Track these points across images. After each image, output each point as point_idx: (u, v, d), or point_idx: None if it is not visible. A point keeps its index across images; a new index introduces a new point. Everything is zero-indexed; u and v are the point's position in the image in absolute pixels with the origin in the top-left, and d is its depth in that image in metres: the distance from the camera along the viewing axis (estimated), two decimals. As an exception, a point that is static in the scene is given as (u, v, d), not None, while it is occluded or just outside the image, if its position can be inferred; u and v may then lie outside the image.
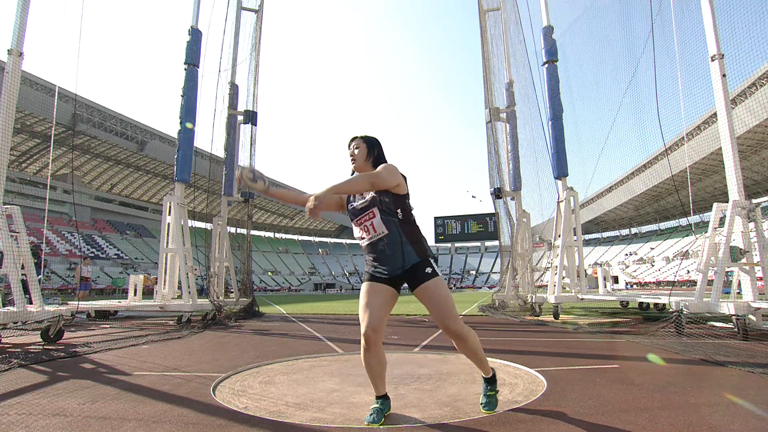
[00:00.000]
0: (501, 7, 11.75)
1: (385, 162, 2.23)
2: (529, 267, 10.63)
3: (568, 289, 8.86)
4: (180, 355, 4.18)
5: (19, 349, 4.51)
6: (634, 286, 40.66)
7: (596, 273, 12.46)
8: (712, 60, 5.90)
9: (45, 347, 4.68)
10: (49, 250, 38.22)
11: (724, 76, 5.83)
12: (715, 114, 6.11)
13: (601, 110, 11.25)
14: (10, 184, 34.31)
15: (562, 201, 8.90)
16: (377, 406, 2.08)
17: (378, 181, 2.04)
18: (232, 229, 11.51)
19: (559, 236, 8.77)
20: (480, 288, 57.46)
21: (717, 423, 1.95)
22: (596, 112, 11.49)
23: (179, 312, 7.65)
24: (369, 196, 2.14)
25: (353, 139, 2.25)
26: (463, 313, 9.37)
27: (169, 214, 8.47)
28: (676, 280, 37.77)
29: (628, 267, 52.57)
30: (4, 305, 5.87)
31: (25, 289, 5.48)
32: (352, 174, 2.22)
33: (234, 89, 10.94)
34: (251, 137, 11.01)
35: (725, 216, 5.67)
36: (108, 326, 7.30)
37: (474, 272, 73.59)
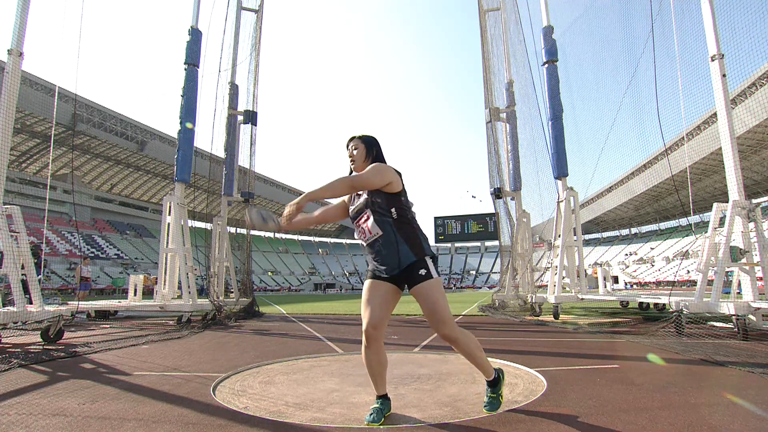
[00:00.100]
0: (501, 7, 11.75)
1: (384, 161, 2.23)
2: (529, 267, 10.63)
3: (568, 289, 8.86)
4: (180, 355, 4.18)
5: (19, 349, 4.51)
6: (634, 286, 40.66)
7: (596, 273, 12.45)
8: (712, 60, 5.90)
9: (45, 347, 4.68)
10: (49, 250, 38.22)
11: (724, 76, 5.83)
12: (715, 114, 6.11)
13: (601, 110, 11.25)
14: (10, 184, 34.31)
15: (562, 201, 8.90)
16: (377, 406, 2.08)
17: (359, 183, 2.02)
18: (232, 229, 11.51)
19: (559, 236, 8.77)
20: (480, 288, 57.45)
21: (717, 423, 1.95)
22: (596, 112, 11.49)
23: (179, 312, 7.65)
24: (363, 198, 2.14)
25: (351, 139, 2.25)
26: (463, 313, 9.37)
27: (169, 214, 8.47)
28: (676, 280, 37.78)
29: (628, 267, 52.56)
30: (4, 305, 5.87)
31: (25, 289, 5.48)
32: (350, 174, 2.23)
33: (234, 89, 10.94)
34: (251, 137, 11.02)
35: (725, 216, 5.67)
36: (108, 326, 7.30)
37: (474, 272, 73.59)
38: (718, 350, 3.89)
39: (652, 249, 56.08)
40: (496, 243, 31.25)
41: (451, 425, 2.00)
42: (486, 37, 11.64)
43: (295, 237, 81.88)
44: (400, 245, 2.08)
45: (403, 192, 2.16)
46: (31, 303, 5.49)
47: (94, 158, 46.95)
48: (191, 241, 8.80)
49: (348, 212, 2.26)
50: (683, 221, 51.66)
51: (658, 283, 43.97)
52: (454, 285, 65.77)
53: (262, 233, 74.41)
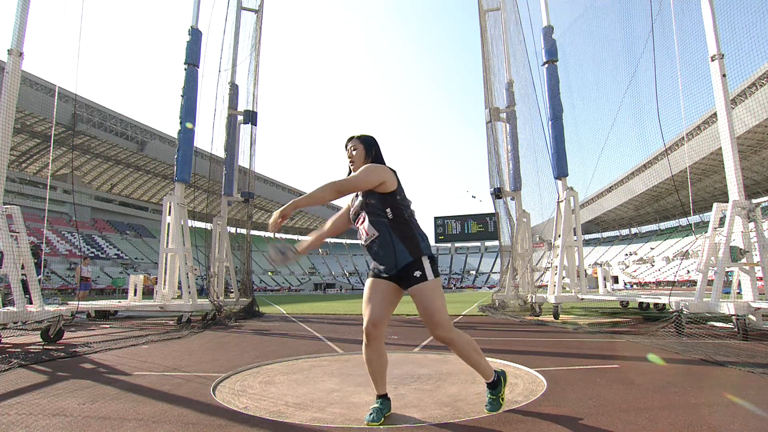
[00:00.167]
0: (501, 7, 11.75)
1: (382, 161, 2.23)
2: (529, 267, 10.63)
3: (568, 289, 8.86)
4: (180, 355, 4.18)
5: (19, 349, 4.51)
6: (634, 286, 40.66)
7: (596, 273, 12.45)
8: (712, 60, 5.90)
9: (45, 347, 4.68)
10: (49, 250, 38.21)
11: (724, 76, 5.83)
12: (715, 114, 6.11)
13: (601, 110, 11.26)
14: (10, 184, 34.32)
15: (562, 201, 8.90)
16: (377, 405, 2.08)
17: (346, 187, 2.01)
18: (232, 229, 11.52)
19: (559, 236, 8.77)
20: (480, 288, 57.44)
21: (717, 423, 1.95)
22: (596, 112, 11.50)
23: (179, 312, 7.65)
24: (359, 199, 2.15)
25: (350, 139, 2.24)
26: (463, 313, 9.37)
27: (169, 214, 8.47)
28: (676, 280, 37.77)
29: (628, 267, 52.55)
30: (4, 305, 5.87)
31: (25, 289, 5.48)
32: (348, 174, 2.23)
33: (234, 89, 10.94)
34: (251, 137, 11.02)
35: (725, 216, 5.67)
36: (108, 326, 7.30)
37: (474, 272, 73.59)
38: (718, 350, 3.89)
39: (652, 249, 56.07)
40: (496, 243, 31.27)
41: (451, 425, 2.00)
42: (486, 37, 11.64)
43: (295, 237, 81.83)
44: (396, 245, 2.07)
45: (398, 191, 2.13)
46: (31, 303, 5.49)
47: (94, 158, 46.96)
48: (191, 241, 8.80)
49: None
50: (683, 221, 51.68)
51: (658, 283, 43.96)
52: (454, 285, 65.77)
53: (262, 233, 74.40)
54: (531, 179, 10.59)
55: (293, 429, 1.99)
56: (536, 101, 10.08)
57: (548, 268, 9.52)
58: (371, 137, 2.26)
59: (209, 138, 10.07)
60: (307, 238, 2.31)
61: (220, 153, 10.66)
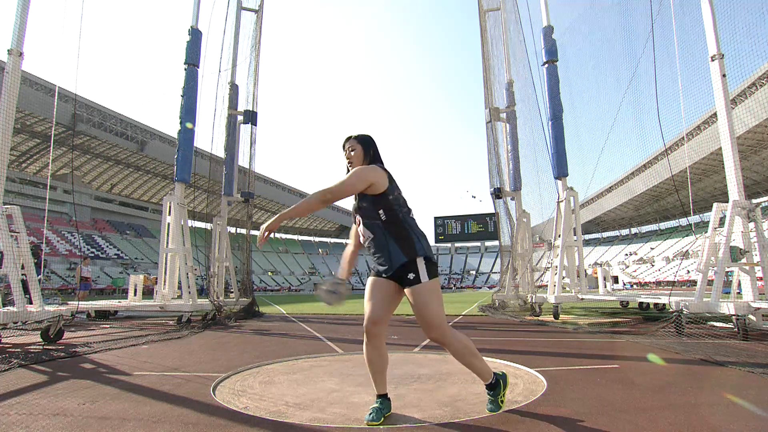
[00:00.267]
0: (501, 7, 11.75)
1: (380, 161, 2.23)
2: (529, 267, 10.63)
3: (568, 289, 8.86)
4: (180, 355, 4.19)
5: (19, 349, 4.51)
6: (634, 286, 40.66)
7: (596, 273, 12.46)
8: (712, 60, 5.90)
9: (45, 347, 4.68)
10: (49, 250, 38.22)
11: (724, 76, 5.83)
12: (715, 114, 6.11)
13: (601, 110, 11.27)
14: (10, 184, 34.30)
15: (562, 201, 8.90)
16: (377, 405, 2.08)
17: (330, 195, 2.00)
18: (232, 229, 11.52)
19: (559, 236, 8.77)
20: (480, 288, 57.43)
21: (717, 423, 1.95)
22: (596, 112, 11.52)
23: (179, 312, 7.65)
24: (353, 203, 2.17)
25: (347, 139, 2.24)
26: (462, 314, 9.37)
27: (169, 214, 8.47)
28: (676, 280, 37.77)
29: (628, 267, 52.56)
30: (4, 305, 5.87)
31: (25, 289, 5.48)
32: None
33: (234, 89, 10.95)
34: (251, 137, 11.02)
35: (725, 216, 5.67)
36: (108, 326, 7.30)
37: (474, 272, 73.58)
38: (718, 350, 3.89)
39: (652, 249, 56.07)
40: (496, 243, 31.25)
41: (451, 425, 2.00)
42: (486, 37, 11.64)
43: (295, 237, 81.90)
44: (390, 246, 2.07)
45: (390, 191, 2.10)
46: (31, 303, 5.49)
47: (94, 158, 46.96)
48: (191, 241, 8.80)
49: None
50: (683, 221, 51.66)
51: (658, 283, 43.97)
52: (454, 285, 65.75)
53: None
54: (531, 179, 10.61)
55: (293, 429, 1.99)
56: (536, 101, 10.09)
57: (548, 268, 9.53)
58: (369, 137, 2.26)
59: (209, 138, 10.09)
60: (341, 265, 2.31)
61: (220, 153, 10.66)
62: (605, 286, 10.03)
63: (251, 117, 10.89)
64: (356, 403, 2.39)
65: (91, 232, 49.44)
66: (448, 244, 75.65)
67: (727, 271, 5.65)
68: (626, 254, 59.27)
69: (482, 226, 52.40)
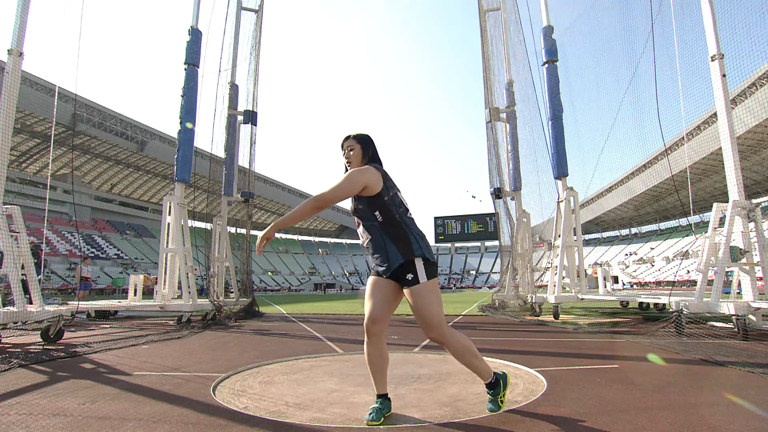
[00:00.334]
0: (501, 7, 11.75)
1: (379, 161, 2.24)
2: (529, 267, 10.63)
3: (568, 289, 8.86)
4: (180, 355, 4.18)
5: (19, 349, 4.51)
6: (634, 286, 40.67)
7: (596, 273, 12.46)
8: (712, 60, 5.90)
9: (45, 347, 4.68)
10: (49, 250, 38.22)
11: (724, 76, 5.83)
12: (715, 114, 6.10)
13: (601, 110, 11.28)
14: (10, 184, 34.30)
15: (562, 201, 8.90)
16: (377, 405, 2.08)
17: (326, 200, 2.00)
18: (232, 229, 11.52)
19: (559, 236, 8.77)
20: (480, 288, 57.45)
21: (717, 423, 1.95)
22: (596, 112, 11.52)
23: (179, 312, 7.65)
24: (350, 206, 2.17)
25: (346, 139, 2.24)
26: (463, 314, 9.37)
27: (169, 214, 8.47)
28: (676, 280, 37.77)
29: (628, 267, 52.57)
30: (4, 305, 5.87)
31: (25, 289, 5.48)
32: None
33: (234, 89, 10.95)
34: (251, 137, 11.02)
35: (725, 216, 5.67)
36: (108, 326, 7.30)
37: (474, 272, 73.58)
38: (718, 350, 3.89)
39: (652, 249, 56.08)
40: (496, 243, 31.26)
41: (451, 425, 2.00)
42: (486, 37, 11.64)
43: (295, 237, 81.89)
44: (388, 247, 2.08)
45: (385, 191, 2.09)
46: (31, 303, 5.49)
47: (94, 158, 46.97)
48: (191, 241, 8.80)
49: None
50: (683, 221, 51.67)
51: (658, 283, 43.98)
52: (454, 285, 65.75)
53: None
54: (531, 179, 10.61)
55: (293, 429, 1.98)
56: (536, 101, 10.09)
57: (548, 268, 9.52)
58: (368, 136, 2.26)
59: (209, 138, 10.09)
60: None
61: (220, 153, 10.66)
62: (605, 286, 10.03)
63: (251, 117, 10.89)
64: (356, 403, 2.39)
65: (91, 232, 49.45)
66: (448, 244, 75.67)
67: (727, 271, 5.65)
68: (626, 254, 59.27)
69: (482, 226, 52.42)
